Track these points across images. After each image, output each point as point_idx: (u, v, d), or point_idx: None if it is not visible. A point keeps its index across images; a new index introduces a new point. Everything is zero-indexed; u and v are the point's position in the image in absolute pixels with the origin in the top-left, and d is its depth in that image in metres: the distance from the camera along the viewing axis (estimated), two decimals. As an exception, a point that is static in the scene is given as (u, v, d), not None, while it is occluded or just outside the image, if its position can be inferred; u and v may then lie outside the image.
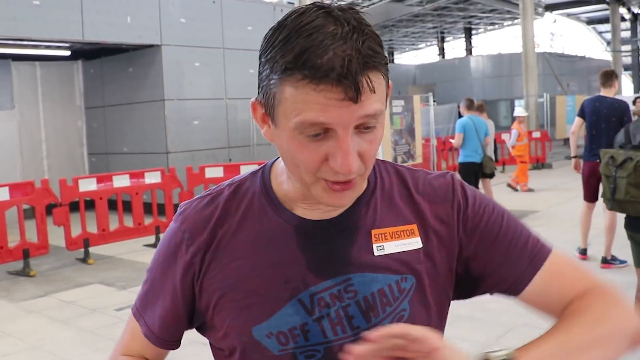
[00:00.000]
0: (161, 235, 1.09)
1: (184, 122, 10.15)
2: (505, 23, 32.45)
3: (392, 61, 35.07)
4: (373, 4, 21.19)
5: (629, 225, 3.73)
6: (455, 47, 36.47)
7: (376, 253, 0.94)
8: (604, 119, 5.72)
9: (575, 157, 6.21)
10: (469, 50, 32.99)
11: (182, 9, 10.17)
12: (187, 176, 8.14)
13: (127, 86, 10.58)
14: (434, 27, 32.03)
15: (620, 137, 3.90)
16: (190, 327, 1.03)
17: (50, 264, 7.03)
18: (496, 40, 36.64)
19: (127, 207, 7.69)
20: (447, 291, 1.00)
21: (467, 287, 1.01)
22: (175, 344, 1.05)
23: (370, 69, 0.79)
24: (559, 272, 0.98)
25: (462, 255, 0.98)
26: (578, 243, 6.10)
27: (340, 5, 0.83)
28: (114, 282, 6.17)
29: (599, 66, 24.72)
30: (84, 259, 7.09)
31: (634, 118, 5.88)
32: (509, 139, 11.95)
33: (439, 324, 1.00)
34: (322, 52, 0.77)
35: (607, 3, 26.46)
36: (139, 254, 7.33)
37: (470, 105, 8.10)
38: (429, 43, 36.86)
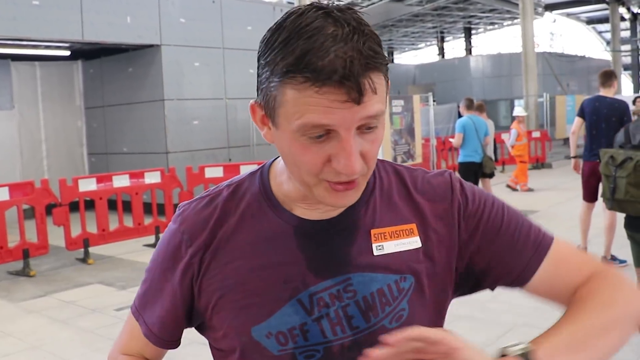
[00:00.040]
0: (161, 235, 1.09)
1: (183, 122, 10.14)
2: (505, 23, 32.45)
3: (392, 61, 35.06)
4: (373, 3, 21.18)
5: (629, 224, 3.73)
6: (455, 47, 36.48)
7: (375, 253, 0.94)
8: (604, 118, 5.73)
9: (574, 157, 6.21)
10: (468, 50, 32.98)
11: (182, 8, 10.17)
12: (186, 176, 8.14)
13: (127, 86, 10.57)
14: (433, 27, 32.02)
15: (620, 136, 3.89)
16: (189, 325, 1.03)
17: (50, 264, 7.03)
18: (496, 40, 36.71)
19: (127, 207, 7.69)
20: (447, 290, 1.00)
21: (470, 284, 1.01)
22: (175, 343, 1.05)
23: (371, 70, 0.79)
24: (563, 259, 0.99)
25: (465, 252, 0.98)
26: (578, 243, 6.10)
27: (338, 5, 0.83)
28: (113, 282, 6.17)
29: (598, 66, 24.73)
30: (84, 259, 7.09)
31: (634, 118, 5.89)
32: (509, 138, 11.95)
33: (438, 323, 1.00)
34: (323, 54, 0.77)
35: (607, 3, 26.44)
36: (139, 254, 7.33)
37: (470, 105, 8.10)
38: (428, 43, 36.85)
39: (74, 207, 7.36)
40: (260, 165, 1.03)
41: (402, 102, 9.59)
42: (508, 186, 11.58)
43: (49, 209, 7.00)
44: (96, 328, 4.79)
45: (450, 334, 0.77)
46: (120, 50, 10.39)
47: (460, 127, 7.86)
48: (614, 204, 3.77)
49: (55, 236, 7.27)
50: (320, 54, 0.77)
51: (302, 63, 0.77)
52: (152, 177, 7.94)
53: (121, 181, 7.67)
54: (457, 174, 1.04)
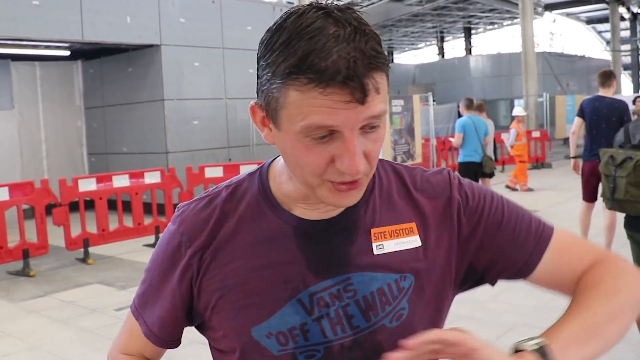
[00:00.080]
0: (161, 235, 1.09)
1: (183, 122, 10.14)
2: (505, 23, 32.45)
3: (392, 61, 35.04)
4: (372, 3, 21.18)
5: (629, 224, 3.73)
6: (454, 47, 36.48)
7: (376, 252, 0.94)
8: (604, 118, 5.73)
9: (574, 157, 6.22)
10: (468, 50, 32.99)
11: (182, 8, 10.16)
12: (186, 176, 8.14)
13: (127, 86, 10.57)
14: (433, 27, 32.02)
15: (619, 136, 3.89)
16: (190, 324, 1.03)
17: (50, 264, 7.03)
18: (496, 40, 36.70)
19: (127, 207, 7.69)
20: (447, 289, 1.00)
21: (473, 279, 1.02)
22: (175, 343, 1.05)
23: (374, 70, 0.79)
24: (566, 248, 1.00)
25: (467, 249, 0.98)
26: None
27: (338, 5, 0.82)
28: (113, 282, 6.17)
29: (598, 66, 24.74)
30: (84, 259, 7.09)
31: (634, 117, 5.90)
32: (508, 138, 11.95)
33: (438, 322, 1.00)
34: (326, 54, 0.76)
35: (607, 2, 26.44)
36: (139, 254, 7.33)
37: (469, 105, 8.10)
38: (428, 43, 36.85)
39: (73, 207, 7.36)
40: (259, 166, 1.03)
41: (402, 102, 9.60)
42: (507, 187, 11.58)
43: (49, 209, 7.00)
44: (96, 328, 4.79)
45: (468, 334, 0.78)
46: (120, 50, 10.39)
47: (460, 127, 7.87)
48: (613, 203, 3.77)
49: (55, 236, 7.27)
50: (322, 54, 0.76)
51: (305, 64, 0.77)
52: (152, 177, 7.94)
53: (121, 181, 7.67)
54: (456, 173, 1.04)
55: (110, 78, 10.93)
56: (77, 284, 6.17)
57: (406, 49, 38.79)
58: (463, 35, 33.84)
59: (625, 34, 29.54)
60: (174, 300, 0.98)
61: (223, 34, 10.64)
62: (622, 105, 5.83)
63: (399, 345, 0.77)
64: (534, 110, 17.47)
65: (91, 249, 7.20)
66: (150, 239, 7.76)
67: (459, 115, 8.92)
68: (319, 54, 0.77)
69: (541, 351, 0.83)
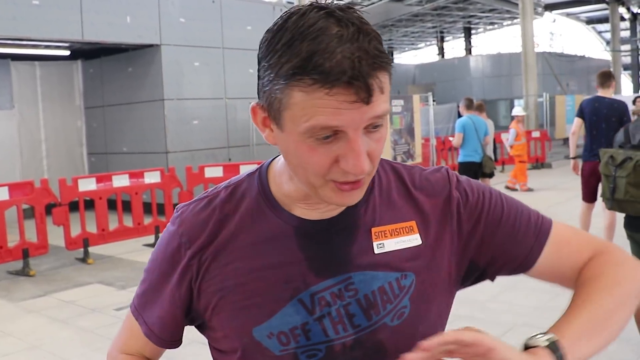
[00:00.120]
0: (160, 236, 1.09)
1: (183, 121, 10.14)
2: (505, 23, 32.46)
3: (392, 61, 35.03)
4: (372, 3, 21.18)
5: (629, 224, 3.73)
6: (454, 47, 36.49)
7: (376, 251, 0.94)
8: (604, 119, 5.74)
9: (574, 158, 6.22)
10: (468, 50, 32.99)
11: (182, 8, 10.16)
12: (186, 176, 8.14)
13: (127, 86, 10.57)
14: (433, 27, 32.03)
15: (619, 136, 3.89)
16: (191, 324, 1.03)
17: (50, 263, 7.03)
18: (496, 40, 36.70)
19: (127, 206, 7.69)
20: (448, 286, 1.00)
21: (474, 275, 1.02)
22: (176, 342, 1.05)
23: (378, 69, 0.79)
24: (565, 241, 1.01)
25: (467, 246, 0.99)
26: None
27: (338, 5, 0.82)
28: (113, 282, 6.17)
29: (598, 66, 24.74)
30: (84, 259, 7.08)
31: (634, 118, 5.90)
32: (507, 139, 11.96)
33: (440, 319, 1.00)
34: (330, 55, 0.76)
35: (607, 3, 26.45)
36: (139, 253, 7.33)
37: (469, 105, 8.11)
38: (428, 43, 36.86)
39: (73, 206, 7.36)
40: (257, 166, 1.02)
41: (402, 101, 9.60)
42: (507, 187, 11.58)
43: (49, 209, 6.99)
44: (96, 328, 4.79)
45: (485, 334, 0.78)
46: (120, 50, 10.38)
47: (460, 126, 7.87)
48: (613, 203, 3.77)
49: (55, 236, 7.27)
50: (327, 55, 0.76)
51: (309, 65, 0.76)
52: (152, 177, 7.93)
53: (121, 181, 7.67)
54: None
55: (110, 78, 10.93)
56: (77, 284, 6.17)
57: (406, 49, 38.80)
58: (463, 35, 33.84)
59: (625, 34, 29.55)
60: (174, 301, 0.98)
61: (223, 33, 10.64)
62: (621, 105, 5.84)
63: (416, 346, 0.77)
64: (533, 111, 17.48)
65: (91, 249, 7.20)
66: (150, 238, 7.76)
67: (459, 115, 8.93)
68: (323, 54, 0.76)
69: (553, 346, 0.84)
